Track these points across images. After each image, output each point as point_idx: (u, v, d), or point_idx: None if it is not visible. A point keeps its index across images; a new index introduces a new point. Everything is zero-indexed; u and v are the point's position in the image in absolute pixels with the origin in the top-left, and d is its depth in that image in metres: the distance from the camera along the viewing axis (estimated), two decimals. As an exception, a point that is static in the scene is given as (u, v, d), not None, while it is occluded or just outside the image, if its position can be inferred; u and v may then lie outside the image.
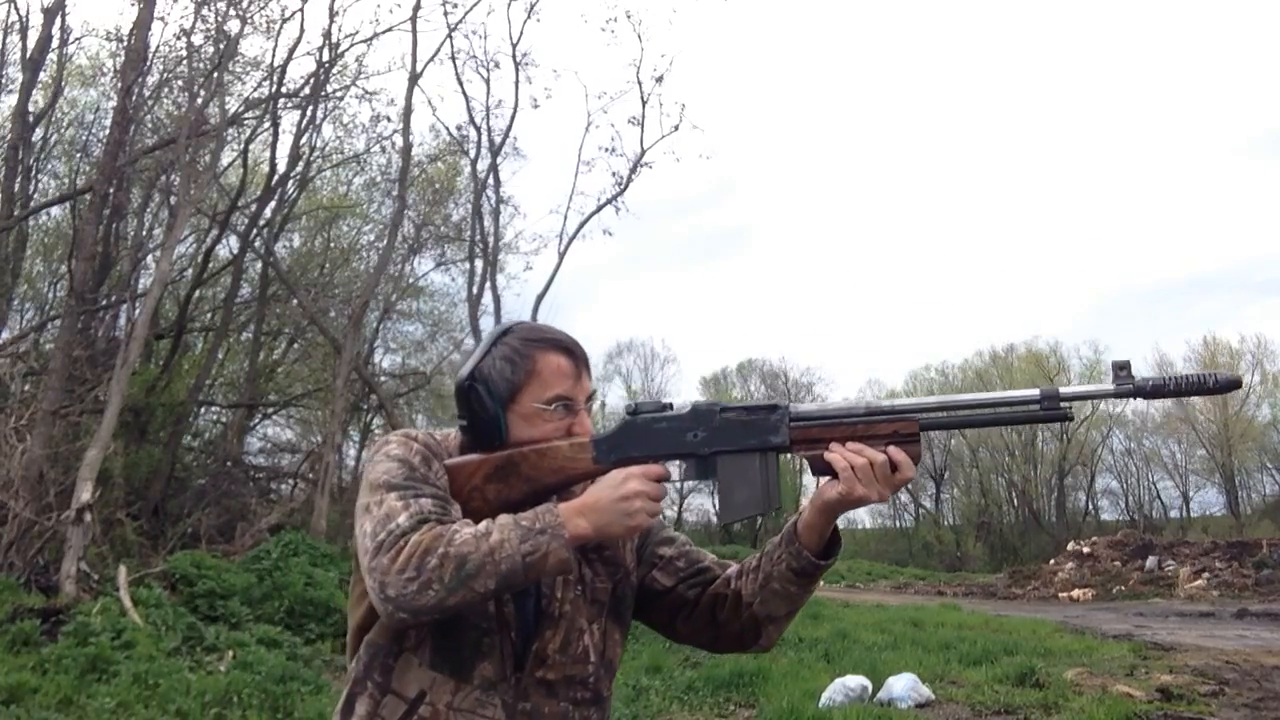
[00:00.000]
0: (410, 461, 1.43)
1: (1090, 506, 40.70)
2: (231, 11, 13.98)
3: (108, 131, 13.89)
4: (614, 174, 18.04)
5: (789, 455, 1.44)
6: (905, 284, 64.00)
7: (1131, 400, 1.36)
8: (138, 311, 12.26)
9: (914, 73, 65.44)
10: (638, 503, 1.36)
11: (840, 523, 1.50)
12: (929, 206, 63.44)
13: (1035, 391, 1.35)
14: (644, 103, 17.83)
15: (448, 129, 18.88)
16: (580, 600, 1.48)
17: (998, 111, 64.30)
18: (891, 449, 1.37)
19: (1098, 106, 60.20)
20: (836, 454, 1.38)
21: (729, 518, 1.47)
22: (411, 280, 21.52)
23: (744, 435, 1.41)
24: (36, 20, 14.85)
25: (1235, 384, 1.33)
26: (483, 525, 1.33)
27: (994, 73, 65.11)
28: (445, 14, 16.87)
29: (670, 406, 1.45)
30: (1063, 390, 1.35)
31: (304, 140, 16.96)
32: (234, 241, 17.13)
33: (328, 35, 15.70)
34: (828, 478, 1.42)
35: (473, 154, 18.35)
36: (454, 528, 1.32)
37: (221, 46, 13.67)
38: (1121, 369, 1.32)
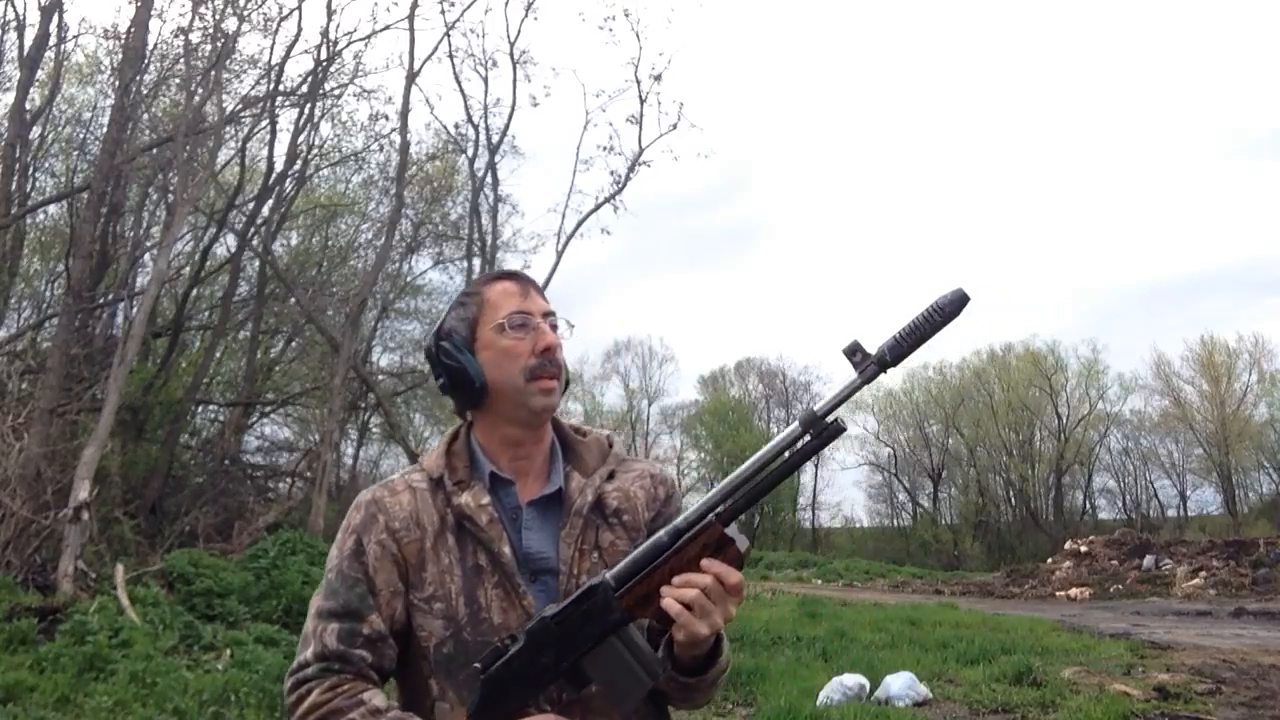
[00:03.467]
0: (343, 555, 1.47)
1: (1088, 505, 40.76)
2: (229, 9, 13.98)
3: (105, 129, 13.87)
4: (612, 173, 18.04)
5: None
6: (904, 282, 64.04)
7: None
8: (135, 310, 12.23)
9: (914, 74, 65.47)
10: None
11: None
12: (929, 205, 63.48)
13: (797, 425, 1.30)
14: (642, 101, 17.83)
15: (445, 127, 18.90)
16: (598, 566, 1.45)
17: (998, 111, 64.32)
18: (709, 563, 1.30)
19: (1098, 106, 60.28)
20: (667, 599, 1.30)
21: (628, 705, 1.37)
22: (409, 279, 21.56)
23: (587, 629, 1.34)
24: (34, 18, 14.82)
25: (961, 299, 1.23)
26: None
27: (994, 73, 65.15)
28: (443, 12, 16.88)
29: (514, 639, 1.37)
30: (817, 408, 1.28)
31: (302, 138, 16.98)
32: (232, 240, 17.12)
33: (325, 33, 15.70)
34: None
35: (470, 152, 18.37)
36: (349, 714, 1.36)
37: (219, 44, 13.65)
38: (854, 353, 1.26)
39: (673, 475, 1.62)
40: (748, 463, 1.33)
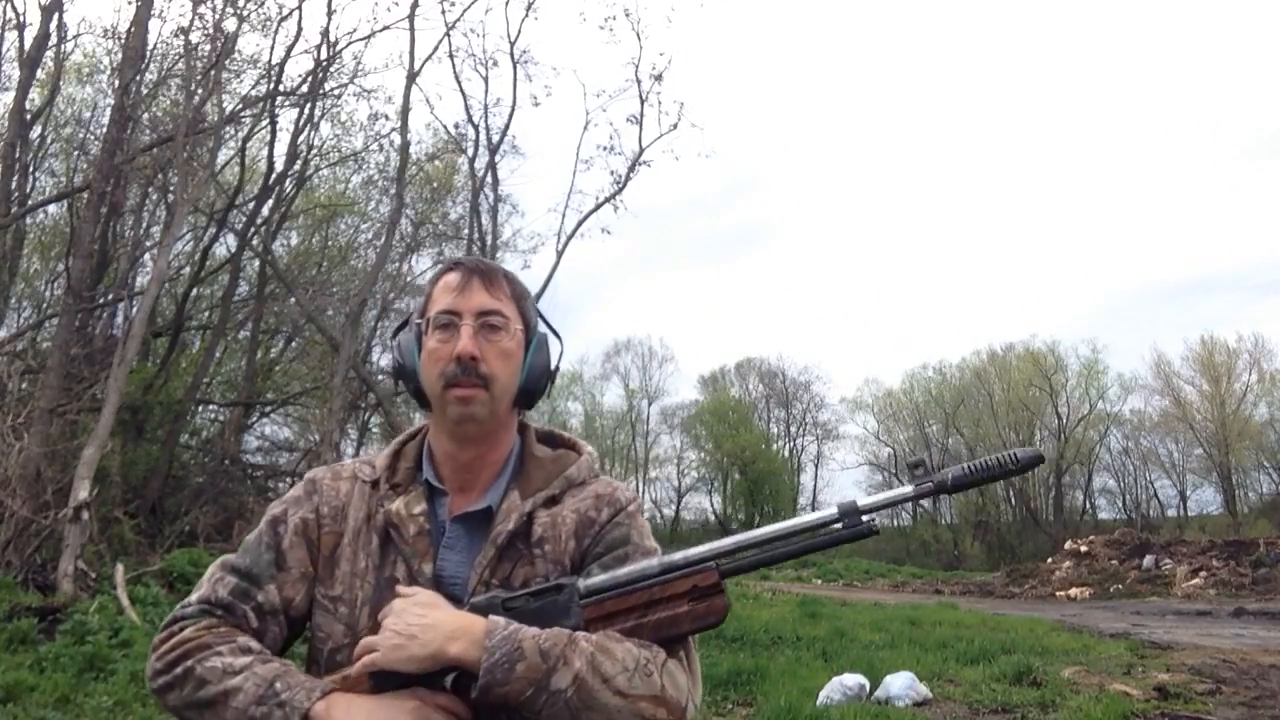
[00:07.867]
0: (266, 519, 1.40)
1: (1088, 505, 40.79)
2: (229, 9, 13.98)
3: (105, 129, 13.87)
4: (613, 173, 18.06)
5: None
6: (904, 282, 64.11)
7: (940, 497, 1.27)
8: (135, 309, 12.24)
9: (918, 75, 65.52)
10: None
11: None
12: (929, 205, 63.53)
13: (834, 510, 1.26)
14: (642, 101, 17.85)
15: (445, 127, 18.93)
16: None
17: (999, 112, 64.37)
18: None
19: (1100, 108, 60.31)
20: None
21: None
22: (409, 279, 21.55)
23: (533, 623, 1.23)
24: (34, 17, 14.82)
25: (1038, 460, 1.25)
26: (241, 660, 1.24)
27: (996, 73, 65.20)
28: (443, 12, 16.94)
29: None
30: (861, 504, 1.25)
31: (302, 138, 16.99)
32: (232, 240, 17.12)
33: (325, 33, 15.69)
34: None
35: (470, 152, 18.39)
36: (217, 648, 1.26)
37: (219, 44, 13.65)
38: (917, 467, 1.25)
39: (627, 497, 1.42)
40: (770, 527, 1.29)
